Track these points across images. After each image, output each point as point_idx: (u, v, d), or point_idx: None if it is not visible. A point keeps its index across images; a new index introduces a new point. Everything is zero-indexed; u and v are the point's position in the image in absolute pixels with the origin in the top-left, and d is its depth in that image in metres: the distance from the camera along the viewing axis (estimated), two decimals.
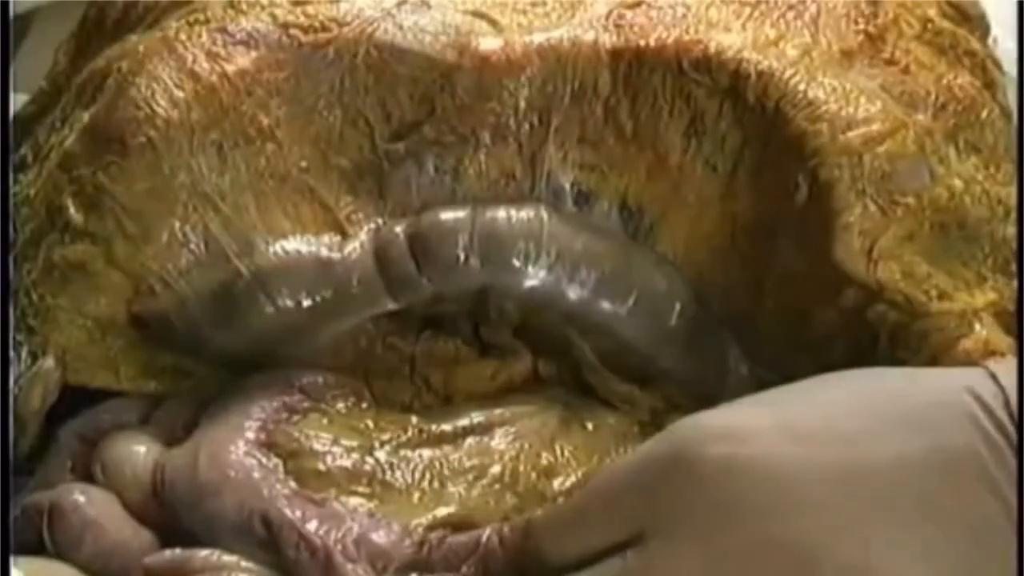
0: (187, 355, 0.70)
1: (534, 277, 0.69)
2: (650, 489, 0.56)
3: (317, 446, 0.67)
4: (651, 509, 0.56)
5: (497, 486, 0.66)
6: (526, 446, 0.68)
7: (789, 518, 0.54)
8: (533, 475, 0.67)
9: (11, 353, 0.70)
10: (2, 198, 0.70)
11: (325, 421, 0.69)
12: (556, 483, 0.67)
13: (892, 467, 0.55)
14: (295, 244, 0.68)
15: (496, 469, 0.67)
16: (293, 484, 0.65)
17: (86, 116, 0.71)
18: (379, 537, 0.63)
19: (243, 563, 0.63)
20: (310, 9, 0.71)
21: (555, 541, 0.58)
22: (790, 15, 0.72)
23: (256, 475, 0.65)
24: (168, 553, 0.64)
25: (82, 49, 0.77)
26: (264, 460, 0.66)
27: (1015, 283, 0.69)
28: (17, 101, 0.79)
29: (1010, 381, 0.56)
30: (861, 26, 0.72)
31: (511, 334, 0.71)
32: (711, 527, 0.55)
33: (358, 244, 0.69)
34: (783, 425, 0.56)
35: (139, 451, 0.68)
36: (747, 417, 0.56)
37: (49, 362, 0.69)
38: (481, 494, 0.66)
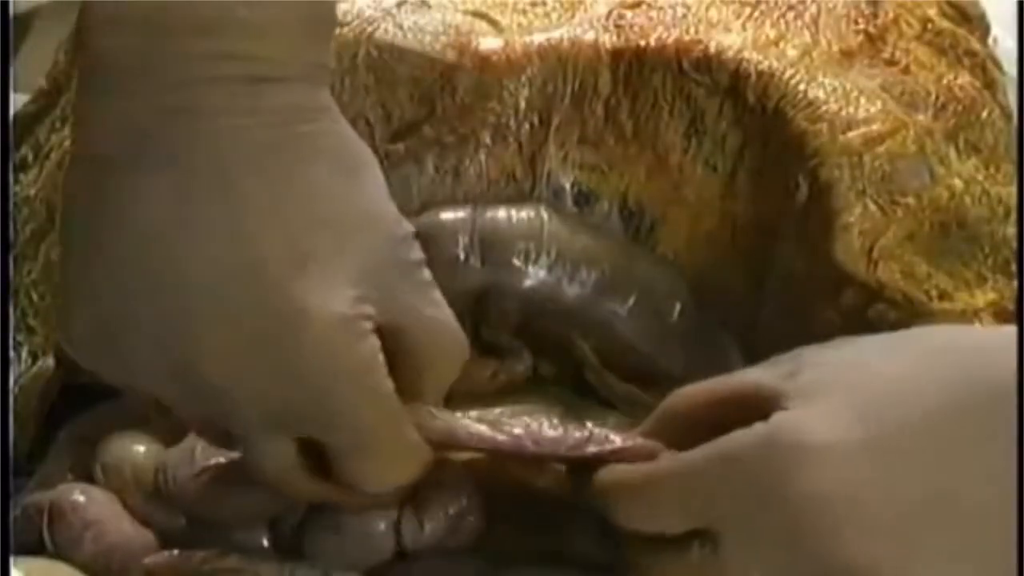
0: None
1: (534, 277, 0.69)
2: (734, 491, 0.55)
3: None
4: (732, 511, 0.55)
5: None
6: None
7: (862, 543, 0.54)
8: None
9: (11, 353, 0.70)
10: (2, 198, 0.70)
11: None
12: None
13: (984, 498, 0.54)
14: None
15: None
16: None
17: None
18: None
19: (243, 563, 0.63)
20: None
21: (625, 506, 0.58)
22: (790, 15, 0.72)
23: None
24: (168, 553, 0.64)
25: None
26: None
27: (1015, 283, 0.69)
28: (17, 101, 0.79)
29: None
30: (861, 26, 0.72)
31: (511, 334, 0.71)
32: (788, 544, 0.54)
33: None
34: (876, 444, 0.54)
35: (139, 451, 0.68)
36: (843, 431, 0.54)
37: (49, 362, 0.69)
38: None
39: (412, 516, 0.63)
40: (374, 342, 0.57)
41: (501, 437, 0.60)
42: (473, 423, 0.61)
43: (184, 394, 0.57)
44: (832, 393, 0.56)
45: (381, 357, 0.57)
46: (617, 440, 0.60)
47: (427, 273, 0.59)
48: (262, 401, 0.56)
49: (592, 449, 0.60)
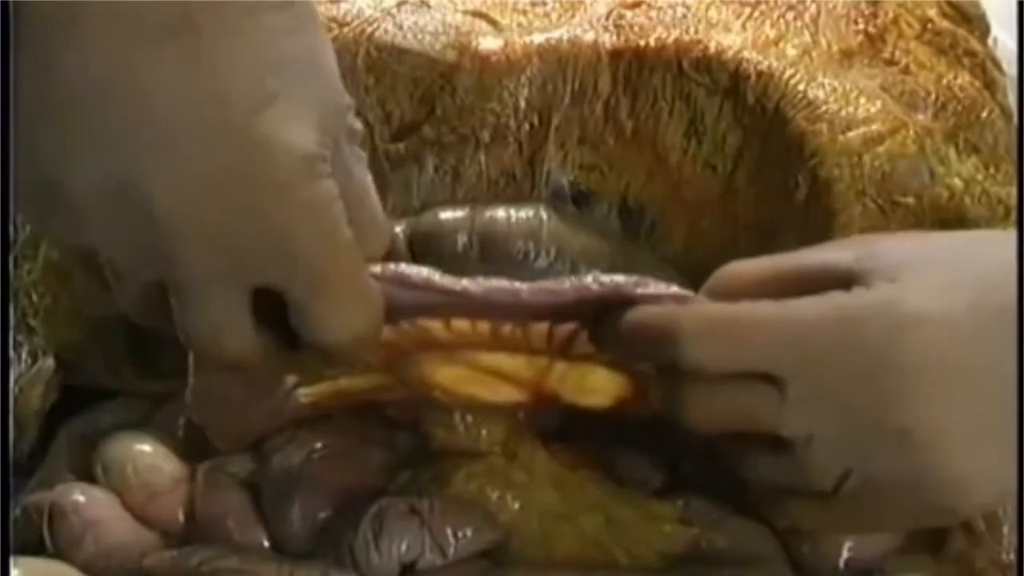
0: (186, 358, 0.66)
1: (534, 276, 0.67)
2: (828, 343, 0.56)
3: None
4: (816, 361, 0.56)
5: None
6: None
7: (930, 411, 0.55)
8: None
9: (11, 353, 0.69)
10: (2, 199, 0.68)
11: None
12: None
13: None
14: None
15: None
16: None
17: None
18: None
19: (243, 563, 0.63)
20: None
21: (700, 340, 0.57)
22: (790, 15, 0.72)
23: None
24: (168, 553, 0.64)
25: None
26: None
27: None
28: None
29: None
30: (861, 26, 0.72)
31: None
32: (859, 399, 0.56)
33: None
34: (975, 324, 0.56)
35: (141, 451, 0.68)
36: (948, 303, 0.56)
37: (49, 362, 0.69)
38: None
39: (436, 549, 0.64)
40: (334, 185, 0.56)
41: (498, 292, 0.59)
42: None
43: (131, 244, 0.55)
44: (933, 272, 0.57)
45: (341, 203, 0.56)
46: (675, 287, 0.60)
47: (363, 152, 0.59)
48: (216, 243, 0.54)
49: (653, 290, 0.59)
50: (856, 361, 0.55)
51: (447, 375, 0.64)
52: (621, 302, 0.59)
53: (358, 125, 0.58)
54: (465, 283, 0.59)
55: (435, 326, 0.61)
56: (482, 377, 0.64)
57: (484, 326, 0.61)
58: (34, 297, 0.70)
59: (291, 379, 0.65)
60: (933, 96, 0.70)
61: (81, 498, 0.66)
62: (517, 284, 0.59)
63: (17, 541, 0.64)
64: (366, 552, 0.62)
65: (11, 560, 0.61)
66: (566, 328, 0.61)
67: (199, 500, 0.67)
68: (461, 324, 0.61)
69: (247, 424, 0.66)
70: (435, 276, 0.59)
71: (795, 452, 0.57)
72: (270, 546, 0.65)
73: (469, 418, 0.67)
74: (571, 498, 0.66)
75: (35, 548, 0.65)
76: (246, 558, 0.63)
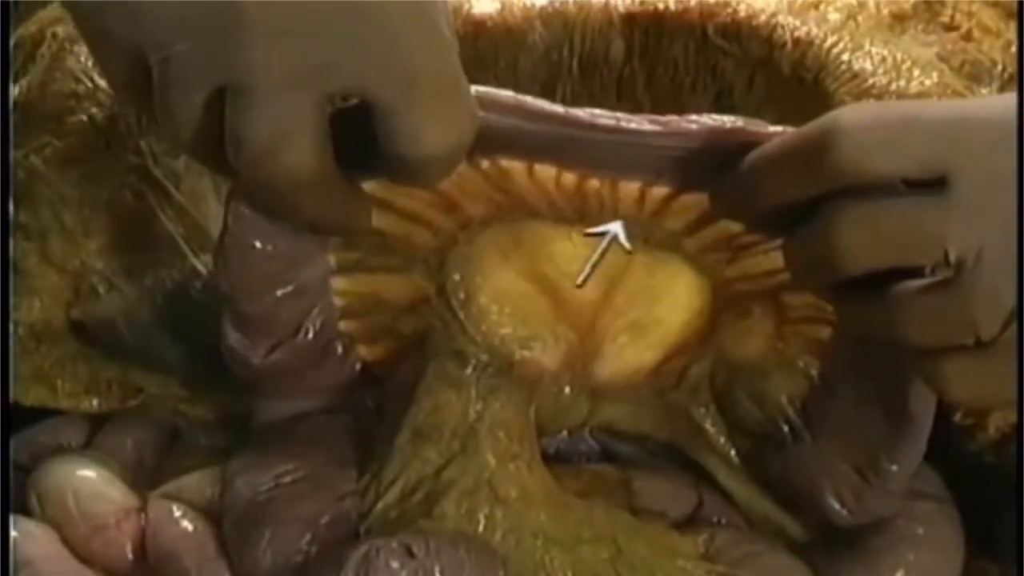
0: (135, 368, 0.69)
1: None
2: (999, 144, 0.54)
3: None
4: (984, 161, 0.54)
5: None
6: None
7: None
8: None
9: None
10: (2, 197, 0.68)
11: None
12: None
13: None
14: None
15: None
16: None
17: (16, 90, 0.70)
18: None
19: None
20: None
21: (859, 138, 0.54)
22: None
23: None
24: None
25: None
26: None
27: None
28: None
29: None
30: None
31: None
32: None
33: None
34: None
35: (83, 477, 0.65)
36: None
37: None
38: None
39: None
40: None
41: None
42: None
43: (199, 38, 0.53)
44: None
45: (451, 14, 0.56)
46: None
47: None
48: (300, 38, 0.53)
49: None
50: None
51: (497, 285, 0.63)
52: (735, 149, 0.57)
53: None
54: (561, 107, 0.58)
55: (517, 170, 0.59)
56: (536, 296, 0.64)
57: (569, 180, 0.59)
58: None
59: (330, 261, 0.63)
60: (1000, 67, 0.68)
61: (14, 534, 0.63)
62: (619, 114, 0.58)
63: None
64: None
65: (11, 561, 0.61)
66: (660, 192, 0.59)
67: (150, 534, 0.64)
68: (546, 172, 0.58)
69: (271, 307, 0.63)
70: (528, 98, 0.57)
71: (959, 282, 0.54)
72: None
73: (483, 381, 0.65)
74: (570, 524, 0.64)
75: None
76: None
